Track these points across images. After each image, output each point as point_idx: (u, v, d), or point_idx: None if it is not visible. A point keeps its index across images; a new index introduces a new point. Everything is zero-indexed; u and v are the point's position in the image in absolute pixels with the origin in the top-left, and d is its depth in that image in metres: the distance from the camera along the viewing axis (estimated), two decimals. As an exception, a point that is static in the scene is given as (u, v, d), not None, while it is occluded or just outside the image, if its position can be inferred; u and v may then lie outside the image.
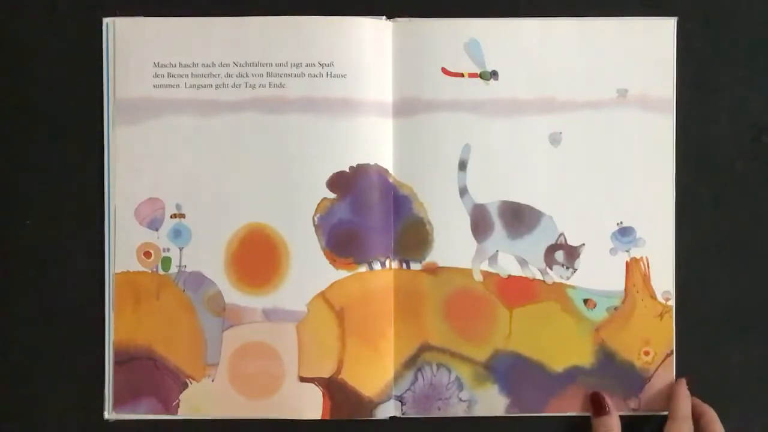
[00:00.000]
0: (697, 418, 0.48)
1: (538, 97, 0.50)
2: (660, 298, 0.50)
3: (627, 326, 0.50)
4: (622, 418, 0.50)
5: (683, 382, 0.49)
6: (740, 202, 0.51)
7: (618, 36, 0.50)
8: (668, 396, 0.50)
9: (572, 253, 0.50)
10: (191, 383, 0.50)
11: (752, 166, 0.51)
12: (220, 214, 0.50)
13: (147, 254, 0.50)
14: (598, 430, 0.49)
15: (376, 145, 0.50)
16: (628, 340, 0.50)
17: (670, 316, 0.51)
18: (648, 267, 0.50)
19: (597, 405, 0.49)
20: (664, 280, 0.50)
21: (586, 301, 0.50)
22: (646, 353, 0.50)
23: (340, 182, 0.50)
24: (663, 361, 0.50)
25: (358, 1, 0.50)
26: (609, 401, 0.49)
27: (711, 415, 0.48)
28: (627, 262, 0.50)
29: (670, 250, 0.50)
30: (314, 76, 0.49)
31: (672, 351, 0.50)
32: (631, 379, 0.50)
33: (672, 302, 0.51)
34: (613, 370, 0.50)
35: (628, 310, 0.50)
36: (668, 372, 0.50)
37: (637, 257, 0.50)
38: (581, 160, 0.50)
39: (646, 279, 0.50)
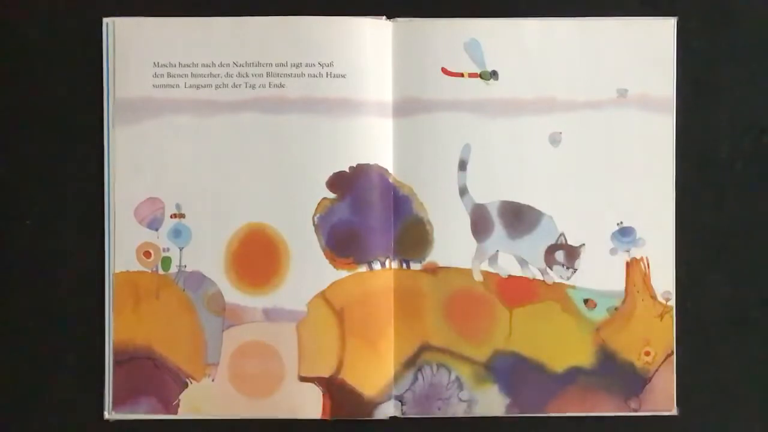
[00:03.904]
0: None
1: (538, 97, 0.50)
2: (660, 298, 0.50)
3: (627, 326, 0.50)
4: (622, 418, 0.50)
5: None
6: (740, 202, 0.51)
7: (618, 36, 0.50)
8: (668, 396, 0.50)
9: (572, 253, 0.50)
10: (191, 383, 0.50)
11: (752, 166, 0.51)
12: (220, 214, 0.50)
13: (147, 254, 0.50)
14: None
15: (376, 145, 0.50)
16: (629, 340, 0.50)
17: (670, 316, 0.51)
18: (648, 267, 0.50)
19: None
20: (664, 280, 0.50)
21: (586, 301, 0.50)
22: (647, 353, 0.50)
23: (340, 182, 0.50)
24: (663, 361, 0.50)
25: (358, 1, 0.50)
26: None
27: None
28: (627, 262, 0.50)
29: (670, 250, 0.50)
30: (314, 76, 0.49)
31: (672, 351, 0.50)
32: (632, 379, 0.50)
33: (672, 302, 0.51)
34: (614, 370, 0.50)
35: (628, 310, 0.50)
36: (668, 372, 0.50)
37: (637, 257, 0.50)
38: (581, 160, 0.50)
39: (646, 279, 0.50)
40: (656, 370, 0.50)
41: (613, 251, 0.50)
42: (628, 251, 0.50)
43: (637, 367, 0.50)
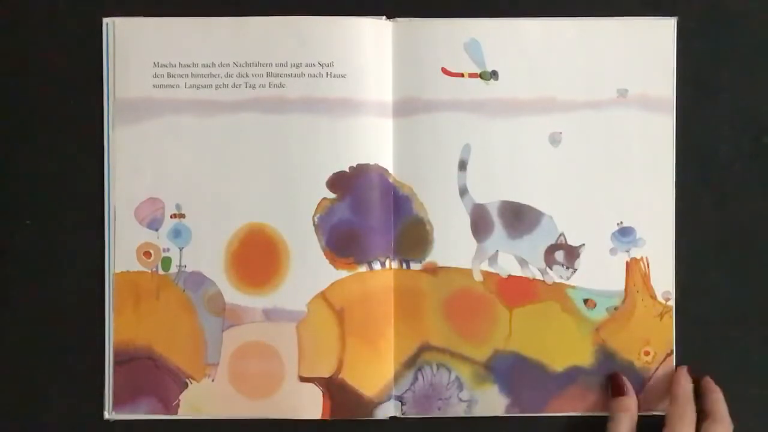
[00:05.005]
0: (702, 397, 0.48)
1: (538, 97, 0.50)
2: (660, 298, 0.51)
3: (627, 326, 0.50)
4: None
5: (684, 368, 0.49)
6: (740, 202, 0.51)
7: (618, 36, 0.50)
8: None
9: (572, 253, 0.50)
10: (191, 383, 0.50)
11: (752, 167, 0.51)
12: (220, 214, 0.50)
13: (147, 254, 0.50)
14: (617, 410, 0.48)
15: (376, 145, 0.50)
16: (628, 340, 0.50)
17: (670, 316, 0.51)
18: (648, 267, 0.50)
19: (616, 386, 0.49)
20: (664, 280, 0.50)
21: (586, 301, 0.50)
22: (646, 353, 0.50)
23: (340, 182, 0.50)
24: (663, 361, 0.50)
25: (358, 1, 0.50)
26: (628, 382, 0.49)
27: (717, 395, 0.48)
28: (627, 262, 0.50)
29: (670, 250, 0.50)
30: (314, 76, 0.49)
31: (672, 351, 0.50)
32: (631, 379, 0.50)
33: (672, 302, 0.51)
34: (613, 370, 0.50)
35: (628, 310, 0.50)
36: (668, 372, 0.50)
37: (637, 257, 0.50)
38: (581, 160, 0.50)
39: (646, 279, 0.50)
40: (656, 370, 0.50)
41: (613, 251, 0.50)
42: (628, 251, 0.50)
43: (637, 367, 0.50)
